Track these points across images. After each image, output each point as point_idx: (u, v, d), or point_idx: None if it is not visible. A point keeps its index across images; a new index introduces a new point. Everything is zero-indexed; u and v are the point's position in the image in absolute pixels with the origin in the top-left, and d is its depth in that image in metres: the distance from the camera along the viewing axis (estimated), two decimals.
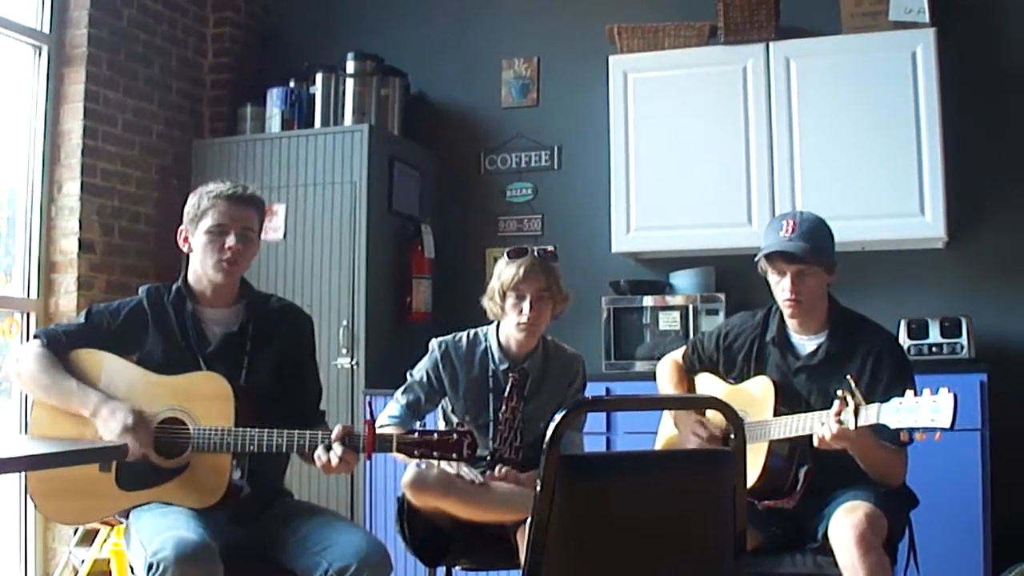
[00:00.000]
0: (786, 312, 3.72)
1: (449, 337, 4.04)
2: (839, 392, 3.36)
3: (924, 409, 3.18)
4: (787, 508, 3.58)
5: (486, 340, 3.99)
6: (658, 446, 4.08)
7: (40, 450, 3.07)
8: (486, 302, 3.95)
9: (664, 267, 6.11)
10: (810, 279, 3.65)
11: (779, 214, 3.93)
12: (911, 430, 3.24)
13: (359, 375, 5.94)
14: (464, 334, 4.03)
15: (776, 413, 3.58)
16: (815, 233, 3.67)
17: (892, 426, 3.25)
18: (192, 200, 3.59)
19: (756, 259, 3.73)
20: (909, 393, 3.25)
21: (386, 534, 4.85)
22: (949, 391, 3.17)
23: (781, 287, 3.67)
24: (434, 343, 4.04)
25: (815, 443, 3.38)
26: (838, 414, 3.32)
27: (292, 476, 3.80)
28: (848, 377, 3.39)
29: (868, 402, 3.32)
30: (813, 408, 3.53)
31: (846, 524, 3.30)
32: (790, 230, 3.66)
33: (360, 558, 3.21)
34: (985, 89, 5.77)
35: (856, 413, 3.30)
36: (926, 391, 3.21)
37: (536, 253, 3.88)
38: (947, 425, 3.13)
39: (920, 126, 5.45)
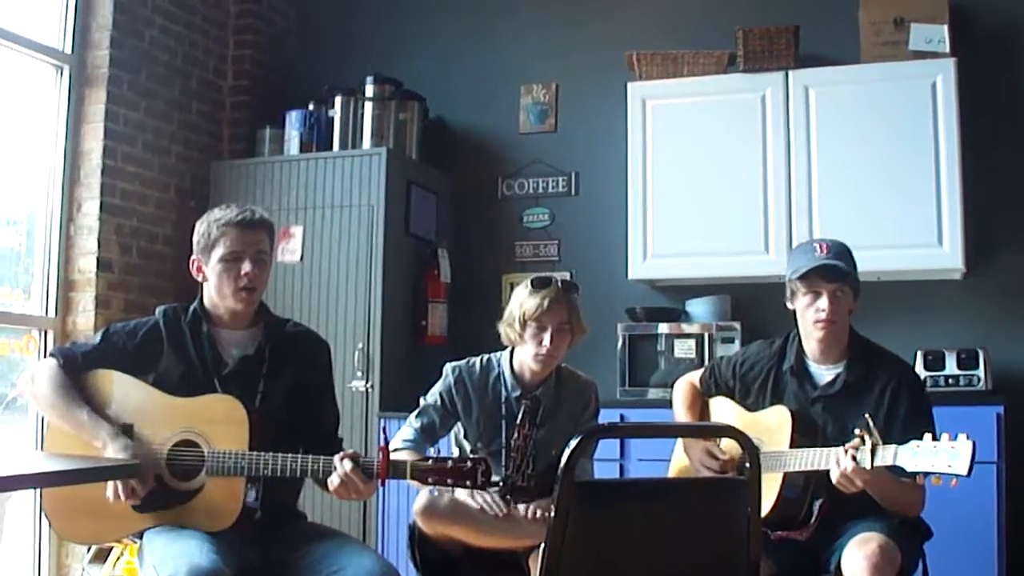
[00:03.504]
0: (817, 335, 3.68)
1: (463, 362, 4.03)
2: (856, 431, 3.34)
3: (942, 454, 3.16)
4: (801, 539, 3.55)
5: (499, 366, 3.98)
6: (671, 473, 4.07)
7: (55, 467, 3.08)
8: (503, 328, 3.93)
9: (680, 295, 6.10)
10: (843, 301, 3.64)
11: (804, 241, 3.90)
12: (927, 474, 3.23)
13: (373, 398, 5.94)
14: (477, 360, 4.03)
15: (793, 443, 3.56)
16: (847, 256, 3.68)
17: (908, 468, 3.23)
18: (200, 229, 3.58)
19: (790, 276, 3.70)
20: (927, 436, 3.24)
21: (398, 558, 4.84)
22: (968, 438, 3.16)
23: (816, 307, 3.64)
24: (448, 368, 4.03)
25: (833, 482, 3.36)
26: (854, 454, 3.30)
27: (305, 499, 3.80)
28: (866, 416, 3.37)
29: (885, 440, 3.30)
30: (829, 438, 3.51)
31: (859, 556, 3.28)
32: (825, 251, 3.66)
33: None
34: (1005, 121, 5.75)
35: (873, 453, 3.28)
36: (944, 436, 3.21)
37: (560, 285, 3.87)
38: (964, 472, 3.12)
39: (939, 156, 5.44)
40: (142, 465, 3.27)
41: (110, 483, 3.28)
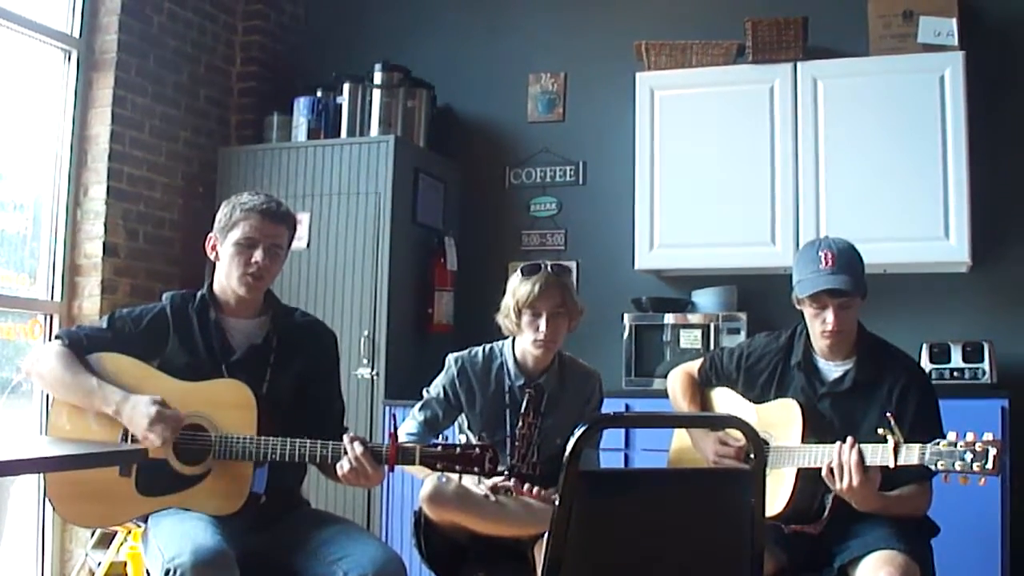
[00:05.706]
0: (823, 344, 3.65)
1: (465, 352, 4.00)
2: (880, 431, 3.33)
3: (969, 454, 3.16)
4: (814, 533, 3.54)
5: (502, 355, 3.95)
6: (670, 456, 4.05)
7: (59, 452, 3.08)
8: (501, 319, 3.90)
9: (686, 285, 6.10)
10: (851, 310, 3.59)
11: (809, 242, 3.81)
12: (953, 474, 3.22)
13: (379, 386, 5.94)
14: (480, 349, 4.00)
15: (804, 438, 3.53)
16: (853, 263, 3.60)
17: (935, 468, 3.23)
18: (224, 209, 3.58)
19: (797, 294, 3.64)
20: (952, 435, 3.23)
21: (402, 545, 4.85)
22: (994, 437, 3.17)
23: (822, 320, 3.59)
24: (450, 359, 4.00)
25: (831, 486, 3.37)
26: (851, 448, 3.31)
27: (310, 486, 3.80)
28: (888, 415, 3.34)
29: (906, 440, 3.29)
30: (839, 434, 3.49)
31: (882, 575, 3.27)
32: (829, 263, 3.56)
33: (376, 568, 3.21)
34: (1013, 114, 5.75)
35: (896, 451, 3.27)
36: (970, 435, 3.20)
37: (551, 269, 3.84)
38: (994, 472, 3.13)
39: (947, 149, 5.44)
40: (161, 412, 3.27)
41: (155, 431, 3.25)
